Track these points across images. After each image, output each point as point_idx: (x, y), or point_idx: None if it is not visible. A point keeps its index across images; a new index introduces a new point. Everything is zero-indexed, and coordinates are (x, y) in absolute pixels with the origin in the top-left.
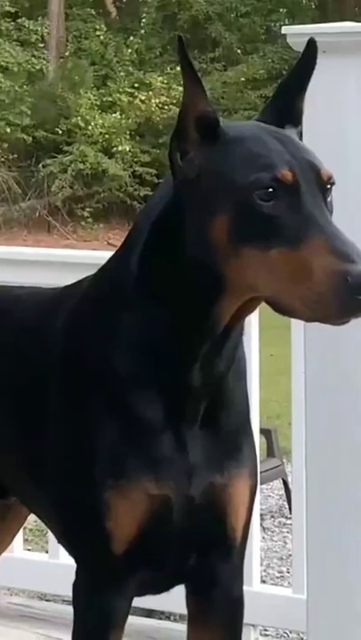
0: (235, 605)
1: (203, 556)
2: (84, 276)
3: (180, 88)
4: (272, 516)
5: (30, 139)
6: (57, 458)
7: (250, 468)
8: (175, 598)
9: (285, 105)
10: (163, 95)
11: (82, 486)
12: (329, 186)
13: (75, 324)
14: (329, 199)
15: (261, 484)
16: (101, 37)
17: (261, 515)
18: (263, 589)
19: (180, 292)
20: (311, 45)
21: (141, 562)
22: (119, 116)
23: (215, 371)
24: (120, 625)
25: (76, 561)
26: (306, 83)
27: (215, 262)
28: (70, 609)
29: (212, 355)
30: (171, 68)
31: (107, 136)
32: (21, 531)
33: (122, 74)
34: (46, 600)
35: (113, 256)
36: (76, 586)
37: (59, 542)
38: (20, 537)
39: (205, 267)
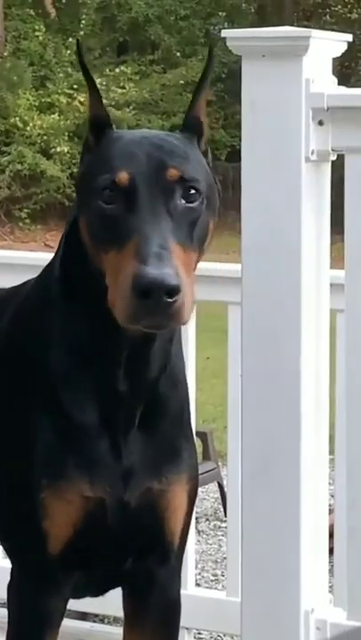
0: (172, 608)
1: (140, 559)
2: (21, 277)
3: (120, 90)
4: (207, 519)
5: None
6: None
7: (189, 474)
8: (110, 600)
9: (188, 113)
10: (102, 97)
11: (17, 486)
12: (176, 185)
13: (16, 325)
14: (179, 198)
15: None
16: (40, 38)
17: (197, 518)
18: (198, 592)
19: (89, 295)
20: (209, 51)
21: (77, 563)
22: (58, 117)
23: (143, 377)
24: (55, 626)
25: (12, 562)
26: (198, 90)
27: (95, 265)
28: (4, 611)
29: (136, 360)
30: (110, 70)
31: (45, 137)
32: None
33: (61, 75)
34: None
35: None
36: (10, 587)
37: None
38: None
39: (97, 270)
